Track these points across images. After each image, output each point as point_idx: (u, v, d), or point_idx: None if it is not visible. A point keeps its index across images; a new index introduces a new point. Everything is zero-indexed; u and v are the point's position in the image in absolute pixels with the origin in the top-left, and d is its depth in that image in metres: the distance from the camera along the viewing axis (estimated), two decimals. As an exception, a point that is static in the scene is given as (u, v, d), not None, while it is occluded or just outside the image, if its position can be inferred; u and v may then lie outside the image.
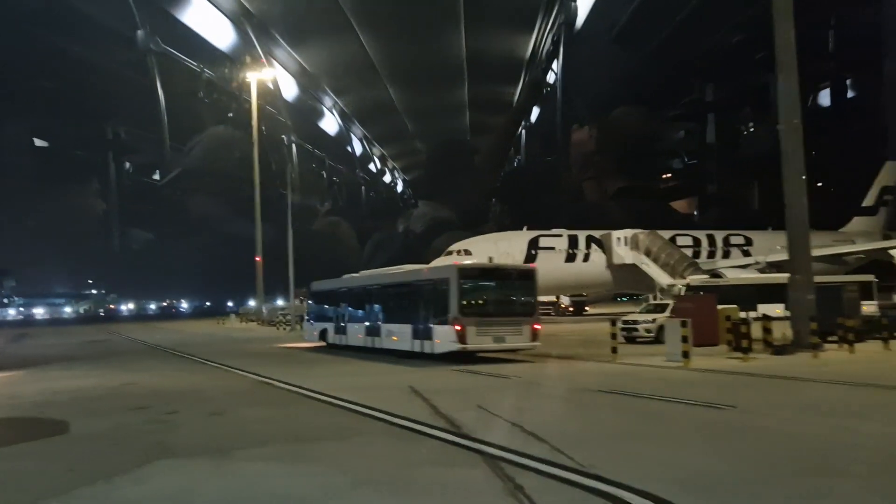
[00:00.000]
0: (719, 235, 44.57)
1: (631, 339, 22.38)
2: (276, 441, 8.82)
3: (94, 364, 22.31)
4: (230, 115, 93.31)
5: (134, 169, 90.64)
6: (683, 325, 16.24)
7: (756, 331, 18.02)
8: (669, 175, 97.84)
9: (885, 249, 40.30)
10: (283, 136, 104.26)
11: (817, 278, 22.06)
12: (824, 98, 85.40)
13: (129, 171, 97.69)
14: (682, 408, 10.66)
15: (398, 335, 20.48)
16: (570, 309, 50.11)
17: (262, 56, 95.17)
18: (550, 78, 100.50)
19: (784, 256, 34.66)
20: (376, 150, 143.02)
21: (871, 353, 17.80)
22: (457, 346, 17.50)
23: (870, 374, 14.01)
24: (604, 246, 42.15)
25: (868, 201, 54.26)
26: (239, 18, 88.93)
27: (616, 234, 41.80)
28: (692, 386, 13.07)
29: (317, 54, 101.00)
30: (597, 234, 42.94)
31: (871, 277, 29.04)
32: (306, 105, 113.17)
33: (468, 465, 7.10)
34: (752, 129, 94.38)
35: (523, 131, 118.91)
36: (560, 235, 43.03)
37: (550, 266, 39.27)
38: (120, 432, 9.95)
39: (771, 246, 41.96)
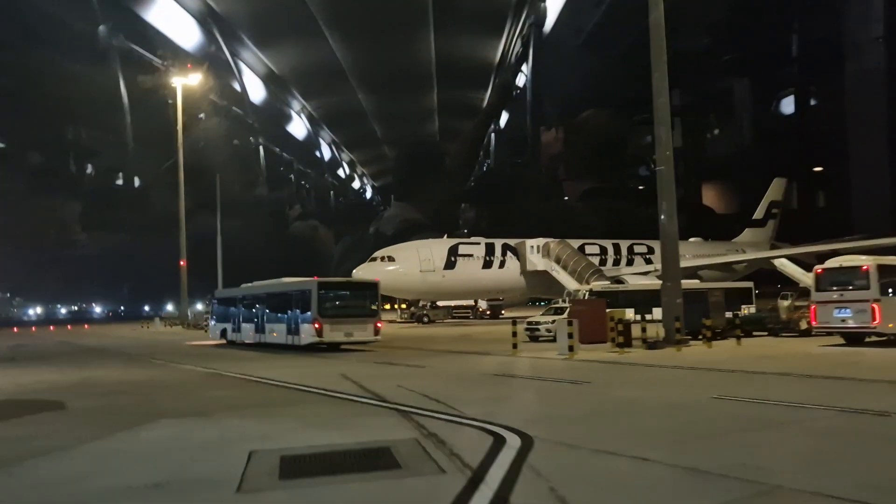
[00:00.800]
0: (624, 244, 47.67)
1: (534, 338, 25.53)
2: (243, 407, 11.76)
3: (40, 364, 22.92)
4: (200, 115, 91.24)
5: (96, 172, 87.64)
6: (570, 324, 19.59)
7: (636, 330, 21.58)
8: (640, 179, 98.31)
9: (768, 258, 44.64)
10: (251, 138, 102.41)
11: (686, 283, 26.39)
12: (788, 105, 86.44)
13: (90, 175, 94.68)
14: (550, 383, 13.99)
15: (277, 332, 26.38)
16: (488, 312, 52.35)
17: (229, 57, 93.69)
18: (520, 81, 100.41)
19: (687, 263, 41.23)
20: (345, 156, 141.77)
21: (724, 348, 21.26)
22: (316, 339, 23.35)
23: (706, 361, 17.55)
24: (518, 253, 44.84)
25: (758, 214, 59.14)
26: (205, 19, 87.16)
27: (529, 242, 44.55)
28: (568, 371, 16.21)
29: (285, 57, 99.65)
30: (512, 242, 45.47)
31: (749, 284, 33.72)
32: (274, 108, 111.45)
33: (387, 415, 10.29)
34: (716, 133, 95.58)
35: (493, 135, 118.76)
36: (478, 243, 45.29)
37: (469, 272, 42.77)
38: (112, 407, 12.36)
39: None
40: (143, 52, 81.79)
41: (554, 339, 21.48)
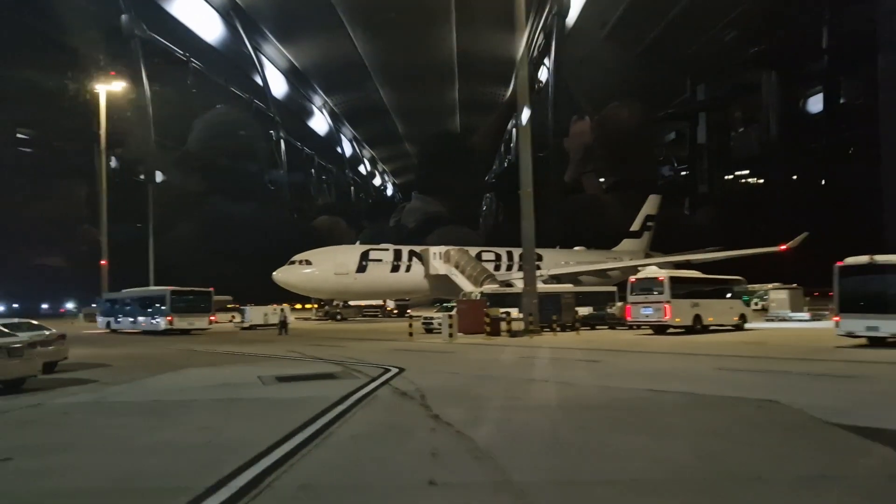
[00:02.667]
0: (516, 252, 49.09)
1: (429, 330, 31.86)
2: (233, 363, 20.06)
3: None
4: (218, 106, 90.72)
5: (119, 163, 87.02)
6: (450, 317, 27.80)
7: (505, 324, 29.00)
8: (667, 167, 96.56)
9: (636, 266, 47.59)
10: (272, 132, 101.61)
11: (547, 287, 37.61)
12: (817, 101, 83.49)
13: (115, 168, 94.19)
14: (426, 352, 22.08)
15: (145, 322, 39.38)
16: (395, 311, 58.63)
17: (251, 50, 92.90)
18: (542, 74, 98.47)
19: (566, 270, 50.86)
20: (366, 152, 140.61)
21: (565, 336, 28.44)
22: (168, 327, 36.79)
23: (540, 343, 25.09)
24: (423, 259, 49.25)
25: (635, 226, 65.50)
26: (228, 12, 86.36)
27: (432, 249, 49.50)
28: (443, 347, 24.19)
29: (307, 52, 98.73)
30: (417, 249, 50.31)
31: (613, 288, 38.52)
32: (295, 103, 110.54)
33: (327, 364, 18.45)
34: (741, 130, 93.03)
35: (514, 130, 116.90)
36: (387, 250, 49.86)
37: (378, 275, 47.55)
38: (144, 364, 19.92)
39: (557, 261, 53.58)
40: (166, 44, 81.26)
41: (441, 330, 28.13)
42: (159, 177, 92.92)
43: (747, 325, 30.99)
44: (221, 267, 64.09)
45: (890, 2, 69.42)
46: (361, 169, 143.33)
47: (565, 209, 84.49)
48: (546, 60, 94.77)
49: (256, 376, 15.76)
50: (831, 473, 6.68)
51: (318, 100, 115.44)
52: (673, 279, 28.86)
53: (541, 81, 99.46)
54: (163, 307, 37.04)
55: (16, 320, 18.78)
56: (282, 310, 38.05)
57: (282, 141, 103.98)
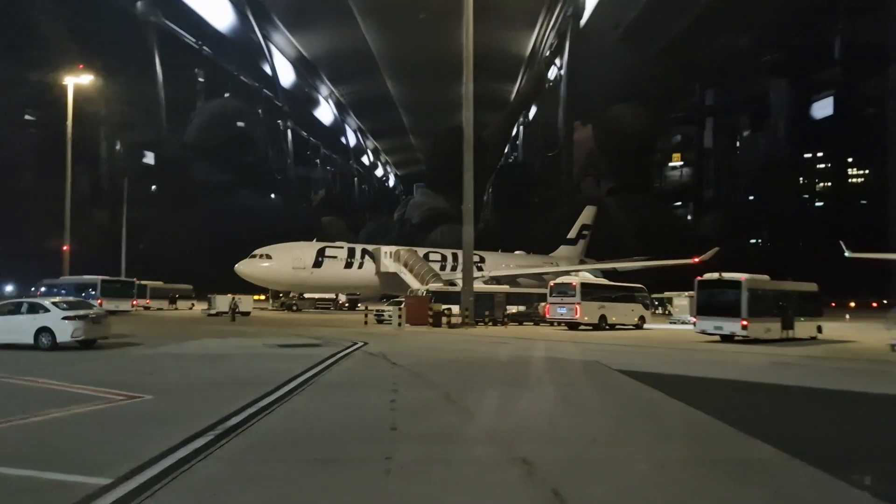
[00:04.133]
0: (461, 253, 49.26)
1: (381, 321, 35.85)
2: (232, 337, 24.66)
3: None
4: (226, 94, 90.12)
5: (127, 147, 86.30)
6: (400, 310, 32.79)
7: (445, 318, 33.84)
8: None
9: (568, 272, 51.81)
10: (279, 122, 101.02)
11: (482, 287, 42.38)
12: (826, 107, 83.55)
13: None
14: (380, 335, 26.34)
15: None
16: (346, 304, 61.76)
17: (261, 39, 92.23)
18: (552, 74, 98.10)
19: (508, 272, 54.90)
20: (370, 144, 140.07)
21: (494, 329, 33.25)
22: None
23: (474, 333, 29.93)
24: (374, 257, 51.80)
25: (571, 234, 69.26)
26: (239, 0, 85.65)
27: (384, 248, 52.23)
28: (392, 332, 29.14)
29: (316, 42, 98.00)
30: (370, 248, 53.04)
31: (544, 290, 39.23)
32: (302, 92, 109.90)
33: (309, 340, 23.44)
34: (747, 135, 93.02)
35: (521, 128, 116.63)
36: (341, 247, 52.07)
37: (333, 271, 49.84)
38: (163, 336, 24.96)
39: (498, 264, 57.05)
40: (179, 31, 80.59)
41: (392, 321, 33.59)
42: (166, 161, 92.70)
43: (646, 326, 35.86)
44: (208, 256, 64.06)
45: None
46: (364, 160, 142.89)
47: (567, 212, 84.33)
48: (557, 60, 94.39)
49: (261, 344, 21.56)
50: (599, 385, 13.97)
51: (324, 90, 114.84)
52: (583, 285, 34.50)
53: (550, 80, 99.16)
54: (94, 292, 41.69)
55: (72, 299, 23.19)
56: (233, 298, 41.60)
57: (289, 130, 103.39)
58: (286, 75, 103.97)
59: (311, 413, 9.91)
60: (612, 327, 34.09)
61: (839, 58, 79.20)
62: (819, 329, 27.75)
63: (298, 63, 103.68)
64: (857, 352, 22.71)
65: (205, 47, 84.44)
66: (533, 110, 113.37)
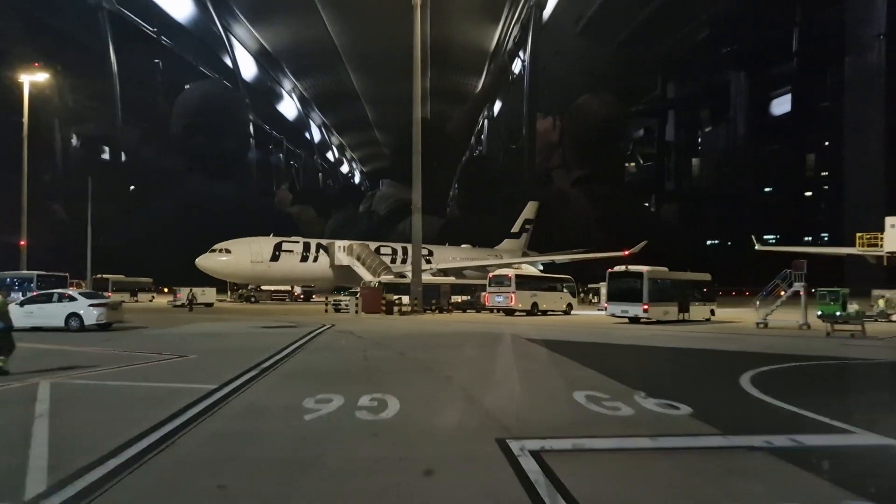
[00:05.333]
0: (409, 247, 52.23)
1: (338, 310, 39.59)
2: (219, 322, 30.35)
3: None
4: (186, 86, 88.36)
5: (83, 140, 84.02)
6: (356, 299, 38.22)
7: (397, 306, 38.00)
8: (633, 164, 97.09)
9: (510, 264, 55.72)
10: (241, 115, 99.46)
11: (430, 279, 45.43)
12: (784, 104, 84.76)
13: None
14: (341, 320, 31.00)
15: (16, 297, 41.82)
16: (301, 296, 65.16)
17: (221, 30, 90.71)
18: (516, 67, 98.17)
19: (454, 265, 58.29)
20: (335, 139, 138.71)
21: (440, 316, 37.71)
22: None
23: (421, 318, 34.26)
24: (329, 251, 54.40)
25: (515, 228, 72.65)
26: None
27: (338, 243, 54.91)
28: (351, 317, 34.97)
29: (278, 34, 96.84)
30: (324, 242, 55.60)
31: (485, 280, 42.08)
32: (265, 85, 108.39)
33: (283, 323, 28.51)
34: (708, 130, 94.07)
35: (485, 122, 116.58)
36: (297, 242, 54.38)
37: (289, 264, 52.36)
38: (155, 323, 28.78)
39: (445, 257, 60.77)
40: (135, 19, 78.70)
41: (349, 310, 38.26)
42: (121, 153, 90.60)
43: (574, 312, 40.53)
44: (169, 250, 63.63)
45: (857, 8, 71.03)
46: (329, 156, 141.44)
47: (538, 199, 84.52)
48: (521, 53, 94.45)
49: (247, 326, 26.39)
50: (507, 346, 19.04)
51: (287, 83, 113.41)
52: (517, 276, 38.88)
53: (514, 73, 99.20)
54: (32, 285, 42.94)
55: (89, 291, 27.29)
56: (190, 291, 44.92)
57: (251, 124, 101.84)
58: (248, 68, 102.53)
59: (311, 363, 14.94)
60: (544, 313, 38.34)
61: (797, 50, 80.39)
62: (712, 312, 33.38)
63: (260, 56, 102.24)
64: (730, 328, 27.38)
65: (163, 37, 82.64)
66: (498, 103, 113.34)
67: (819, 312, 25.16)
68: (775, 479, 5.92)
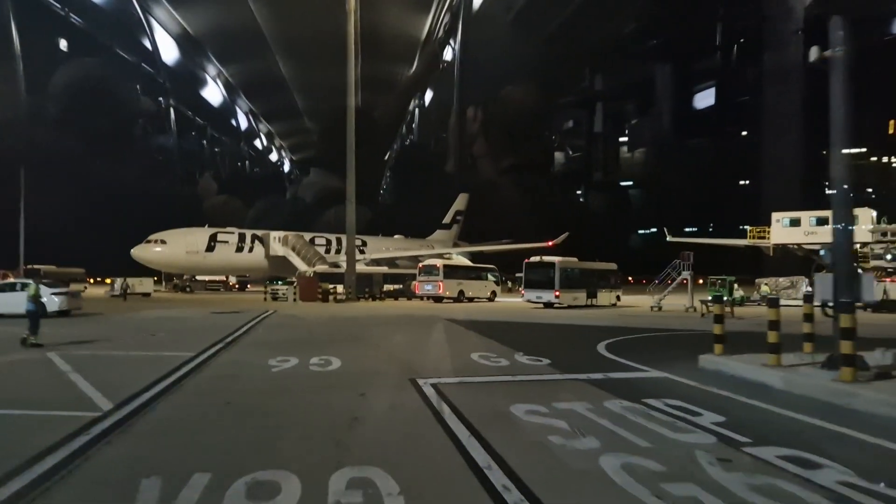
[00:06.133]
0: (344, 238, 55.14)
1: (276, 298, 42.06)
2: (172, 309, 31.83)
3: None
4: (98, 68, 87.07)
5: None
6: (294, 288, 41.58)
7: (332, 295, 41.79)
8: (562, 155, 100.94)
9: (441, 254, 58.97)
10: (161, 99, 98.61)
11: (363, 269, 49.29)
12: (708, 97, 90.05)
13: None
14: (283, 308, 33.09)
15: None
16: (236, 286, 67.45)
17: (139, 12, 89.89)
18: (447, 55, 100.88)
19: (387, 255, 60.81)
20: (263, 127, 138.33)
21: (372, 303, 41.38)
22: None
23: (355, 305, 37.39)
24: (264, 242, 56.43)
25: (446, 220, 76.60)
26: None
27: (273, 234, 56.92)
28: (289, 304, 38.41)
29: (201, 17, 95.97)
30: (259, 233, 57.48)
31: (415, 270, 45.65)
32: (187, 70, 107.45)
33: (230, 310, 30.13)
34: (634, 122, 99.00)
35: (416, 110, 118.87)
36: (232, 233, 56.47)
37: (225, 255, 54.31)
38: (107, 310, 30.59)
39: (379, 248, 63.34)
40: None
41: (286, 298, 41.09)
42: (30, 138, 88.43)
43: (497, 299, 44.83)
44: (96, 239, 63.62)
45: (777, 4, 76.22)
46: (257, 143, 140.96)
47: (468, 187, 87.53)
48: (452, 41, 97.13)
49: (198, 312, 28.84)
50: (425, 323, 23.35)
51: (212, 69, 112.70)
52: (445, 266, 43.68)
53: (445, 61, 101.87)
54: None
55: (49, 281, 28.60)
56: (124, 280, 46.74)
57: (171, 109, 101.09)
58: (169, 52, 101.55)
59: (266, 337, 17.93)
60: (470, 300, 42.44)
61: (721, 45, 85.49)
62: (618, 297, 37.82)
63: (183, 40, 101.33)
64: (628, 312, 31.39)
65: (72, 15, 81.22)
66: (429, 92, 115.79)
67: (709, 297, 29.07)
68: (578, 391, 9.45)
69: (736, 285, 33.57)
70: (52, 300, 24.75)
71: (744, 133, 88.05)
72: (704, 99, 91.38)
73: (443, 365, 12.40)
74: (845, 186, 10.21)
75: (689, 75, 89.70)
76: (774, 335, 10.74)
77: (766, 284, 40.09)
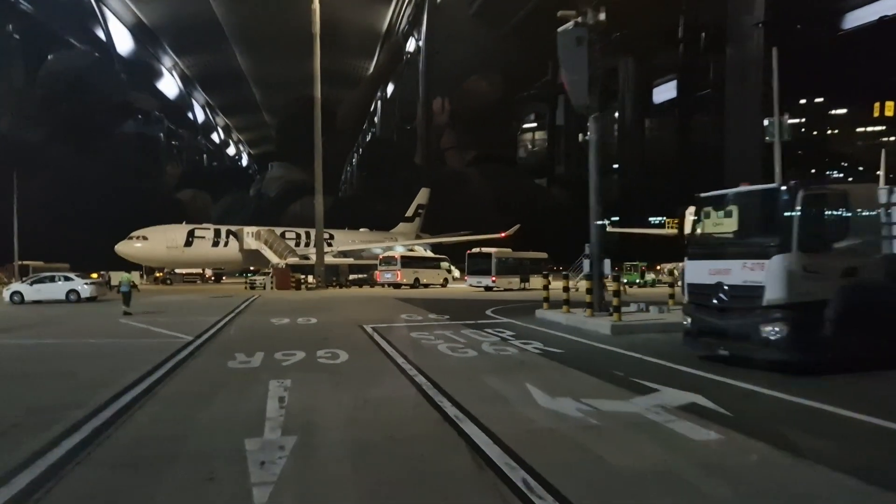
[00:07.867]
0: (312, 232, 58.10)
1: (253, 287, 47.09)
2: (173, 295, 36.86)
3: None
4: (49, 57, 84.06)
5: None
6: (272, 279, 46.80)
7: (304, 284, 46.87)
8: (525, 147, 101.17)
9: (406, 245, 63.84)
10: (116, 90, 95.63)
11: (332, 260, 54.07)
12: (670, 90, 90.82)
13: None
14: (263, 295, 37.33)
15: None
16: (212, 278, 70.51)
17: (92, 1, 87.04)
18: (410, 46, 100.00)
19: (353, 247, 64.37)
20: (220, 120, 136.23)
21: (339, 290, 45.28)
22: None
23: (324, 292, 41.60)
24: (238, 237, 60.19)
25: (409, 213, 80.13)
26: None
27: (246, 229, 60.81)
28: (270, 294, 40.12)
29: (157, 9, 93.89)
30: (234, 228, 61.27)
31: (376, 261, 50.82)
32: (142, 61, 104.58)
33: (222, 296, 37.03)
34: (595, 116, 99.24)
35: (379, 103, 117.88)
36: (209, 228, 60.65)
37: (202, 249, 58.51)
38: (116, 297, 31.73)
39: (346, 240, 66.81)
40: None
41: (264, 287, 46.39)
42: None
43: (449, 285, 50.48)
44: (76, 233, 63.57)
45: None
46: (215, 137, 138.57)
47: (426, 184, 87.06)
48: (416, 33, 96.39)
49: (197, 298, 33.71)
50: (381, 302, 29.49)
51: (168, 60, 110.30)
52: (402, 257, 49.28)
53: (409, 53, 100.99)
54: None
55: (74, 273, 33.24)
56: (105, 273, 48.36)
57: (126, 101, 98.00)
58: (123, 42, 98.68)
59: (262, 309, 24.32)
60: (425, 286, 48.29)
61: (682, 38, 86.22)
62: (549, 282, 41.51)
63: (137, 30, 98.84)
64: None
65: (21, 2, 78.22)
66: (391, 85, 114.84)
67: (625, 280, 34.55)
68: (451, 328, 16.41)
69: (645, 270, 40.60)
70: (84, 289, 30.79)
71: (704, 126, 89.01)
72: (665, 92, 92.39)
73: (381, 320, 19.12)
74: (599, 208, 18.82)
75: (651, 68, 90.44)
76: (565, 296, 19.00)
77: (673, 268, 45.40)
